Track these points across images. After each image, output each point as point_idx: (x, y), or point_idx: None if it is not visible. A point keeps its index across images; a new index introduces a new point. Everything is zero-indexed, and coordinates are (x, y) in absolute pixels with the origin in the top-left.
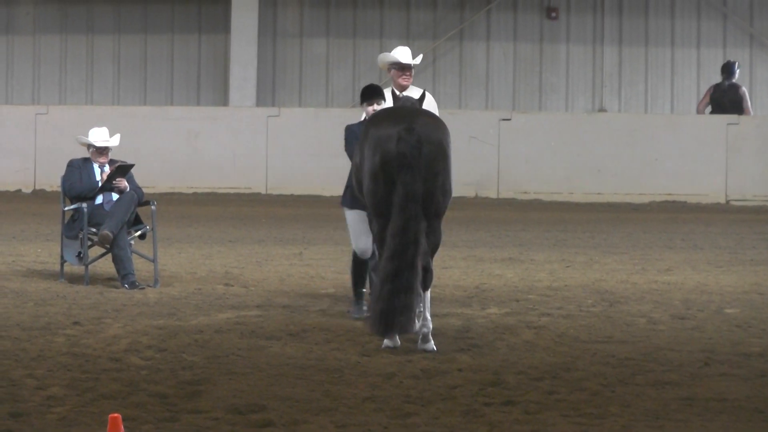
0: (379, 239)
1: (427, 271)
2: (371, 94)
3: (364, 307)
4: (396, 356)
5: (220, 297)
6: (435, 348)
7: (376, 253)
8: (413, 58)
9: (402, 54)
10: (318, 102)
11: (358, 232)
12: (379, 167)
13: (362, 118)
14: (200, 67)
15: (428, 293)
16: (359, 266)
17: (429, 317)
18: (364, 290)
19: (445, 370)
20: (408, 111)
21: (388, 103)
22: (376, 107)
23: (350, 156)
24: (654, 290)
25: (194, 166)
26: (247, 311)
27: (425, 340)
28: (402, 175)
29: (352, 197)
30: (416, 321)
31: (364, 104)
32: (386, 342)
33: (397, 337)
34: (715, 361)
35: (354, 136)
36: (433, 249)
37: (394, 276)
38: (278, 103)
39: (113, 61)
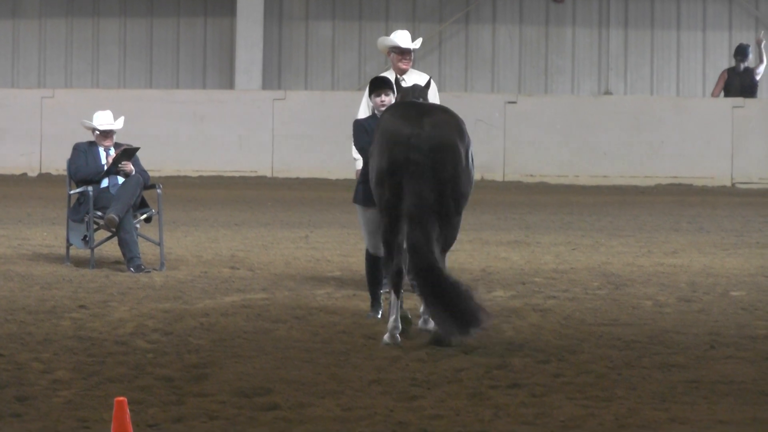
0: (384, 240)
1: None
2: (380, 85)
3: (381, 310)
4: (402, 340)
5: (225, 280)
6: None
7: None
8: (413, 41)
9: (401, 38)
10: (324, 85)
11: (370, 229)
12: (387, 172)
13: (363, 105)
14: (206, 50)
15: None
16: (373, 264)
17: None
18: (382, 292)
19: (450, 353)
20: (421, 110)
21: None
22: (384, 98)
23: (360, 151)
24: (660, 273)
25: (200, 150)
26: (253, 294)
27: (427, 322)
28: (411, 183)
29: (365, 194)
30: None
31: (372, 96)
32: (386, 339)
33: (398, 335)
34: (721, 344)
35: (362, 130)
36: (446, 246)
37: (433, 290)
38: (284, 86)
39: (119, 44)
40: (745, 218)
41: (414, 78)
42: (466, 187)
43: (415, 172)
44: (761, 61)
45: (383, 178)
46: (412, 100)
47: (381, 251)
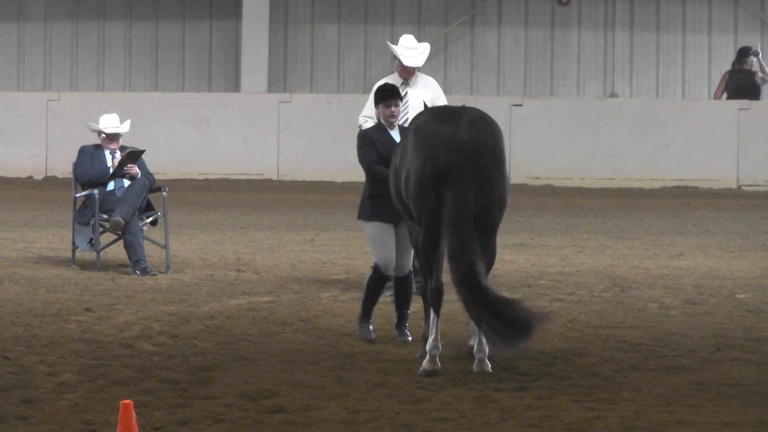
0: (424, 255)
1: None
2: (388, 95)
3: (373, 333)
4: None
5: (231, 283)
6: (491, 369)
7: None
8: (420, 42)
9: (407, 55)
10: (329, 88)
11: (380, 245)
12: (430, 178)
13: (368, 107)
14: (212, 53)
15: None
16: (379, 283)
17: (485, 340)
18: (388, 294)
19: (456, 356)
20: (458, 112)
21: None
22: (394, 109)
23: (365, 165)
24: (666, 275)
25: (206, 153)
26: (259, 297)
27: (481, 365)
28: (454, 189)
29: (371, 209)
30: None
31: (380, 106)
32: (425, 366)
33: (438, 360)
34: (726, 346)
35: (370, 144)
36: (488, 266)
37: (480, 301)
38: (290, 89)
39: (125, 47)
40: (750, 221)
41: (419, 82)
42: (506, 196)
43: (458, 177)
44: (764, 73)
45: (426, 187)
46: (445, 106)
47: (391, 268)
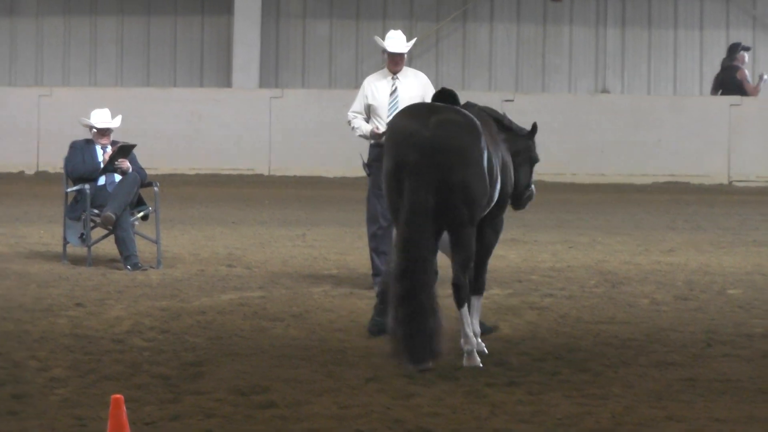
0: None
1: (460, 288)
2: (446, 100)
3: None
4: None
5: (222, 278)
6: (481, 364)
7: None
8: (408, 40)
9: (392, 41)
10: (321, 83)
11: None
12: (391, 172)
13: (358, 101)
14: (203, 48)
15: (465, 310)
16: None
17: (470, 334)
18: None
19: (446, 351)
20: (432, 110)
21: None
22: None
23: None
24: (657, 271)
25: (197, 148)
26: (250, 292)
27: (470, 358)
28: (410, 185)
29: None
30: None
31: None
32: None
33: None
34: (717, 342)
35: None
36: (462, 262)
37: (407, 298)
38: (281, 85)
39: (116, 42)
40: (741, 216)
41: (409, 76)
42: (479, 195)
43: (414, 173)
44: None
45: (390, 183)
46: (426, 102)
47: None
